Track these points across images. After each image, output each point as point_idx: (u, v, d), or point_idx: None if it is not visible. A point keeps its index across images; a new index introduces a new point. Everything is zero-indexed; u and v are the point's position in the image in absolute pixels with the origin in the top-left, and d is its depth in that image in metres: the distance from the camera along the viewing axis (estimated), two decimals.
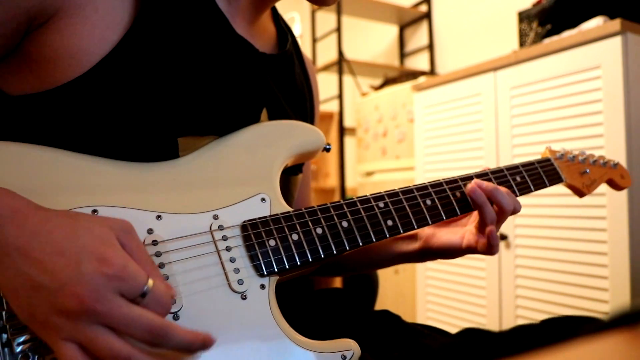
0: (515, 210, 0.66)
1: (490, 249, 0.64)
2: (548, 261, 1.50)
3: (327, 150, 0.66)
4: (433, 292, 1.97)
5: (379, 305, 0.88)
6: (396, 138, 2.37)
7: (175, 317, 0.46)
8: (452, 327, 1.66)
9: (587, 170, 0.77)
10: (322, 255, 0.54)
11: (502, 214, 0.64)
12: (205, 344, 0.42)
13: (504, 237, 1.62)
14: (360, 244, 0.57)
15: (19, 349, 0.41)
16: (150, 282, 0.40)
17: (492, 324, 1.68)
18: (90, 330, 0.38)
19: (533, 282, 1.54)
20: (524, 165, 0.72)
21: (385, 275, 2.29)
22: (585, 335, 0.21)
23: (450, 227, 0.69)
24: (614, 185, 0.82)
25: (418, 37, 2.95)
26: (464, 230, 0.67)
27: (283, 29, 0.74)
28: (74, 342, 0.38)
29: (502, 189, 0.65)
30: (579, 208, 1.41)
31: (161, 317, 0.40)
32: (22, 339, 0.41)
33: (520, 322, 1.57)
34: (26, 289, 0.38)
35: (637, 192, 1.31)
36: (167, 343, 0.40)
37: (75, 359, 0.38)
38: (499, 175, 0.69)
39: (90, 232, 0.40)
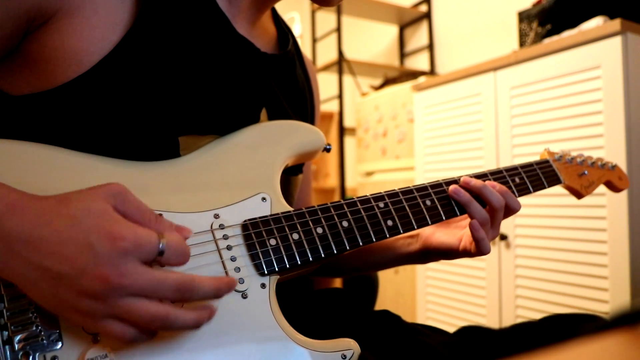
0: (512, 209, 0.65)
1: (477, 245, 0.63)
2: (548, 261, 1.50)
3: (328, 150, 0.67)
4: (433, 292, 1.97)
5: (379, 305, 0.88)
6: (396, 138, 2.37)
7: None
8: (452, 327, 1.66)
9: (586, 172, 0.77)
10: (323, 255, 0.54)
11: (494, 212, 0.64)
12: (229, 286, 0.44)
13: (504, 237, 1.62)
14: (361, 243, 0.57)
15: (20, 346, 0.41)
16: (163, 239, 0.41)
17: (492, 324, 1.68)
18: (122, 303, 0.39)
19: (533, 282, 1.54)
20: (523, 166, 0.72)
21: (385, 275, 2.29)
22: (585, 335, 0.21)
23: (450, 228, 0.69)
24: (612, 187, 0.82)
25: (418, 37, 2.95)
26: (462, 233, 0.67)
27: (283, 30, 0.74)
28: (112, 318, 0.39)
29: (494, 186, 0.64)
30: (579, 208, 1.41)
31: (184, 274, 0.41)
32: (23, 336, 0.42)
33: (520, 321, 1.57)
34: (47, 281, 0.39)
35: (637, 193, 1.31)
36: (196, 295, 0.41)
37: (123, 330, 0.40)
38: (498, 177, 0.69)
39: (88, 213, 0.40)
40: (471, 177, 0.67)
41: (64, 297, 0.39)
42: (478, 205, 0.63)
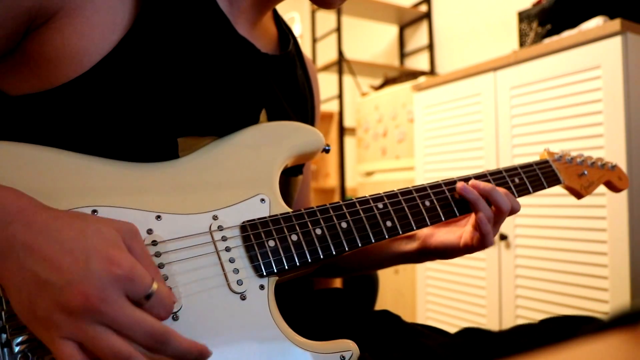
0: (513, 210, 0.66)
1: (482, 239, 0.64)
2: (548, 261, 1.50)
3: (327, 151, 0.67)
4: (433, 292, 1.97)
5: (379, 305, 0.88)
6: (396, 138, 2.37)
7: (175, 317, 0.46)
8: (452, 327, 1.66)
9: (585, 172, 0.77)
10: (321, 256, 0.54)
11: (499, 214, 0.65)
12: (201, 355, 0.42)
13: (504, 237, 1.62)
14: (359, 244, 0.57)
15: (17, 349, 0.41)
16: (155, 285, 0.40)
17: (492, 324, 1.68)
18: (92, 329, 0.38)
19: (533, 282, 1.54)
20: (523, 166, 0.72)
21: (385, 275, 2.29)
22: (585, 335, 0.21)
23: (449, 227, 0.69)
24: (612, 187, 0.82)
25: (418, 37, 2.95)
26: (462, 230, 0.67)
27: (284, 30, 0.74)
28: (73, 341, 0.38)
29: (500, 189, 0.65)
30: (579, 208, 1.41)
31: (162, 324, 0.40)
32: (21, 339, 0.42)
33: (520, 322, 1.57)
34: (30, 285, 0.39)
35: (637, 193, 1.31)
36: (166, 349, 0.40)
37: (74, 356, 0.38)
38: (498, 177, 0.69)
39: (98, 234, 0.40)
40: (471, 178, 0.67)
41: (40, 305, 0.38)
42: (486, 204, 0.64)
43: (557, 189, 0.79)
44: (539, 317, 0.61)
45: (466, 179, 0.67)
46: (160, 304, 0.41)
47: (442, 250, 0.68)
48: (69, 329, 0.38)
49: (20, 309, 0.40)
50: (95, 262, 0.38)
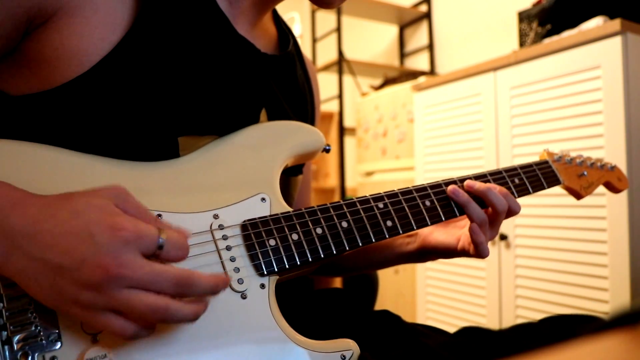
0: (512, 211, 0.65)
1: (476, 249, 0.63)
2: (548, 261, 1.50)
3: (327, 151, 0.67)
4: (433, 292, 1.97)
5: (379, 305, 0.88)
6: (396, 138, 2.37)
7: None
8: (452, 327, 1.66)
9: (585, 173, 0.77)
10: (322, 255, 0.54)
11: (495, 215, 0.64)
12: (225, 283, 0.44)
13: (504, 237, 1.62)
14: (360, 244, 0.57)
15: (19, 346, 0.41)
16: (163, 233, 0.41)
17: (492, 324, 1.68)
18: (122, 295, 0.39)
19: (533, 282, 1.54)
20: (522, 167, 0.72)
21: (385, 275, 2.29)
22: (585, 335, 0.21)
23: (449, 228, 0.69)
24: (612, 188, 0.82)
25: (418, 37, 2.95)
26: (460, 232, 0.67)
27: (284, 31, 0.74)
28: (111, 312, 0.39)
29: (495, 188, 0.64)
30: (579, 208, 1.41)
31: (183, 268, 0.42)
32: (22, 336, 0.42)
33: (520, 322, 1.57)
34: (46, 274, 0.39)
35: (637, 193, 1.31)
36: (194, 290, 0.42)
37: (123, 326, 0.40)
38: (497, 177, 0.69)
39: (90, 207, 0.41)
40: (471, 178, 0.67)
41: (64, 290, 0.39)
42: (477, 207, 0.63)
43: (557, 189, 0.79)
44: (539, 317, 0.61)
45: (466, 179, 0.67)
46: (174, 248, 0.42)
47: (440, 250, 0.68)
48: (101, 302, 0.39)
49: (44, 297, 0.40)
50: (100, 234, 0.39)
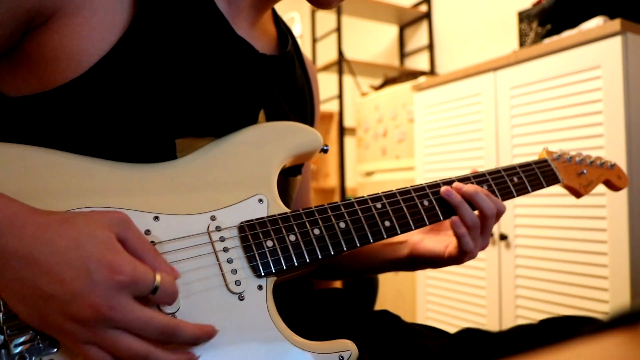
0: (499, 212, 0.64)
1: (459, 244, 0.62)
2: (548, 261, 1.50)
3: (325, 151, 0.66)
4: (433, 292, 1.97)
5: (379, 305, 0.88)
6: (396, 138, 2.37)
7: (173, 317, 0.46)
8: (452, 327, 1.66)
9: (584, 171, 0.77)
10: (320, 256, 0.54)
11: (484, 219, 0.63)
12: (209, 336, 0.45)
13: (504, 237, 1.62)
14: (358, 244, 0.57)
15: (16, 350, 0.41)
16: (158, 277, 0.42)
17: (492, 324, 1.68)
18: (107, 334, 0.39)
19: (533, 282, 1.54)
20: (521, 166, 0.72)
21: (385, 275, 2.29)
22: (585, 335, 0.21)
23: (440, 236, 0.68)
24: (611, 186, 0.82)
25: (418, 37, 2.95)
26: (450, 240, 0.66)
27: (283, 31, 0.74)
28: (94, 345, 0.40)
29: (483, 191, 0.63)
30: (579, 208, 1.41)
31: (170, 318, 0.43)
32: (19, 340, 0.41)
33: (520, 322, 1.57)
34: (35, 299, 0.39)
35: (637, 193, 1.31)
36: (177, 340, 0.42)
37: (104, 358, 0.40)
38: (496, 176, 0.69)
39: (92, 239, 0.40)
40: (470, 177, 0.67)
41: (50, 317, 0.39)
42: (469, 208, 0.62)
43: (557, 189, 0.79)
44: (539, 317, 0.60)
45: (465, 179, 0.66)
46: (165, 295, 0.43)
47: (429, 258, 0.67)
48: (85, 335, 0.39)
49: (28, 318, 0.40)
50: (97, 272, 0.39)
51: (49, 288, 0.39)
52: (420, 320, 2.01)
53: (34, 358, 0.41)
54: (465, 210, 0.62)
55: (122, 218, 0.43)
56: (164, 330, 0.41)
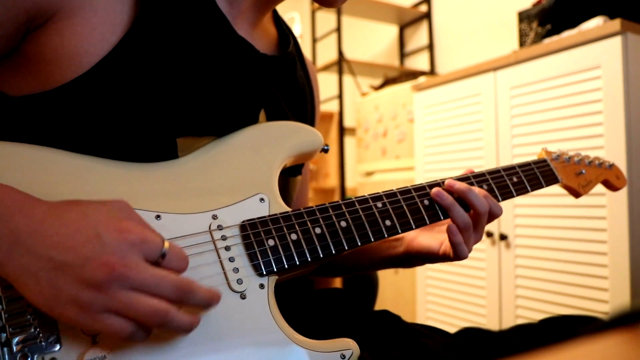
0: (493, 214, 0.64)
1: (454, 250, 0.62)
2: (548, 261, 1.50)
3: (325, 151, 0.66)
4: (433, 292, 1.97)
5: (379, 305, 0.88)
6: (396, 138, 2.37)
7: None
8: (452, 327, 1.66)
9: (583, 171, 0.77)
10: (321, 255, 0.54)
11: (477, 217, 0.63)
12: (218, 298, 0.45)
13: (504, 237, 1.62)
14: (359, 243, 0.57)
15: (17, 348, 0.41)
16: (166, 243, 0.42)
17: (492, 324, 1.68)
18: (123, 295, 0.39)
19: (533, 282, 1.54)
20: (521, 165, 0.72)
21: (385, 275, 2.29)
22: (585, 335, 0.21)
23: (434, 232, 0.68)
24: (610, 186, 0.82)
25: (418, 37, 2.95)
26: (444, 237, 0.66)
27: (284, 31, 0.74)
28: (110, 312, 0.39)
29: (476, 190, 0.63)
30: (579, 208, 1.41)
31: (183, 276, 0.43)
32: (21, 338, 0.42)
33: (520, 322, 1.57)
34: (48, 271, 0.39)
35: (637, 192, 1.31)
36: (192, 299, 0.42)
37: (122, 325, 0.39)
38: (496, 176, 0.69)
39: (98, 210, 0.42)
40: (470, 177, 0.67)
41: (64, 288, 0.39)
42: (460, 209, 0.62)
43: (557, 189, 0.79)
44: (539, 317, 0.61)
45: (465, 178, 0.66)
46: (175, 258, 0.43)
47: (424, 254, 0.67)
48: (102, 302, 0.39)
49: (42, 300, 0.39)
50: (107, 234, 0.40)
51: (61, 257, 0.39)
52: (420, 320, 2.01)
53: (36, 356, 0.41)
54: (457, 212, 0.62)
55: (124, 204, 0.45)
56: (180, 287, 0.41)
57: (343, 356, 0.51)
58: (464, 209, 0.63)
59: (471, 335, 0.59)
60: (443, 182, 0.65)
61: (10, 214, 0.40)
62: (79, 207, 0.42)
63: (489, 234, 1.66)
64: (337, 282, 1.38)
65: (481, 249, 1.71)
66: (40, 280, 0.39)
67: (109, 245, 0.39)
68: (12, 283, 0.41)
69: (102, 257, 0.39)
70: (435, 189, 0.63)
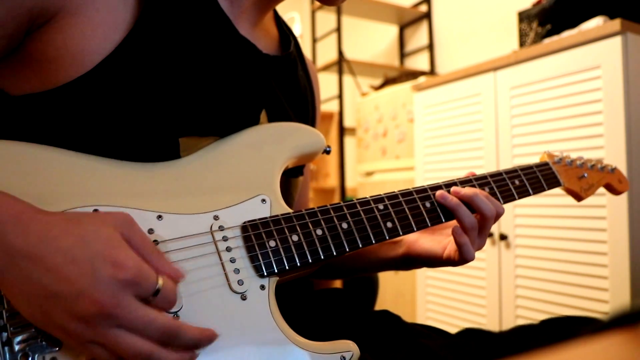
0: (498, 215, 0.64)
1: (460, 251, 0.61)
2: (548, 261, 1.50)
3: (327, 152, 0.67)
4: (433, 292, 1.97)
5: (379, 305, 0.88)
6: (396, 138, 2.37)
7: (175, 317, 0.47)
8: (452, 327, 1.66)
9: (585, 175, 0.77)
10: (322, 257, 0.54)
11: (484, 220, 0.62)
12: (210, 339, 0.44)
13: (504, 237, 1.62)
14: (360, 245, 0.57)
15: (18, 347, 0.41)
16: (161, 281, 0.42)
17: (492, 324, 1.68)
18: (110, 333, 0.39)
19: (533, 282, 1.54)
20: (523, 168, 0.72)
21: (385, 275, 2.29)
22: (585, 335, 0.21)
23: (435, 235, 0.68)
24: (612, 190, 0.82)
25: (418, 37, 2.95)
26: (447, 240, 0.66)
27: (285, 31, 0.74)
28: (97, 345, 0.40)
29: (482, 193, 0.63)
30: (579, 208, 1.41)
31: (172, 319, 0.42)
32: (22, 337, 0.42)
33: (520, 322, 1.57)
34: (39, 298, 0.39)
35: (637, 193, 1.31)
36: (178, 342, 0.42)
37: (108, 358, 0.40)
38: (498, 179, 0.69)
39: (97, 237, 0.41)
40: (472, 179, 0.66)
41: (55, 317, 0.39)
42: (466, 210, 0.62)
43: (557, 190, 0.79)
44: (539, 317, 0.61)
45: (467, 181, 0.66)
46: (166, 298, 0.42)
47: (426, 258, 0.67)
48: (89, 335, 0.39)
49: (33, 318, 0.40)
50: (102, 268, 0.39)
51: (54, 287, 0.39)
52: (420, 320, 2.01)
53: (36, 356, 0.41)
54: (463, 213, 0.61)
55: (126, 219, 0.43)
56: (166, 332, 0.41)
57: (343, 358, 0.51)
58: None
59: (471, 336, 0.59)
60: (445, 185, 0.64)
61: (6, 232, 0.39)
62: (78, 229, 0.41)
63: (489, 234, 1.66)
64: (337, 282, 1.38)
65: (481, 249, 1.71)
66: (32, 304, 0.40)
67: (102, 282, 0.39)
68: (7, 297, 0.41)
69: (94, 294, 0.38)
70: (439, 192, 0.62)
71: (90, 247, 0.40)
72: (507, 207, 1.49)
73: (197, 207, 0.53)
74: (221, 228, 0.52)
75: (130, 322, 0.39)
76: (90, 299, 0.38)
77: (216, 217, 0.53)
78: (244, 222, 0.53)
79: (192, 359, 0.44)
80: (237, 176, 0.57)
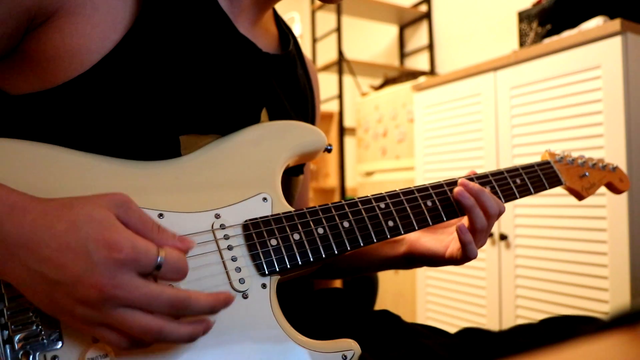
0: (500, 213, 0.64)
1: (463, 249, 0.61)
2: (548, 261, 1.50)
3: (329, 151, 0.67)
4: (433, 292, 1.97)
5: (379, 305, 0.88)
6: (396, 138, 2.37)
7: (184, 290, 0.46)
8: (452, 327, 1.66)
9: (587, 174, 0.77)
10: (324, 255, 0.54)
11: (488, 218, 0.62)
12: (227, 302, 0.43)
13: (504, 237, 1.62)
14: (362, 244, 0.57)
15: (20, 345, 0.41)
16: (162, 253, 0.41)
17: (492, 324, 1.69)
18: (116, 313, 0.39)
19: (533, 282, 1.54)
20: (524, 167, 0.72)
21: (385, 275, 2.29)
22: (585, 335, 0.21)
23: (437, 234, 0.67)
24: (613, 189, 0.82)
25: (418, 37, 2.95)
26: (449, 239, 0.65)
27: (284, 30, 0.74)
28: (106, 327, 0.40)
29: (487, 191, 0.63)
30: (579, 208, 1.41)
31: (180, 290, 0.42)
32: (24, 335, 0.42)
33: (520, 322, 1.57)
34: (43, 286, 0.39)
35: (637, 193, 1.31)
36: (190, 311, 0.42)
37: (118, 340, 0.40)
38: (499, 178, 0.69)
39: (90, 220, 0.40)
40: (472, 179, 0.66)
41: (60, 302, 0.39)
42: (480, 212, 0.61)
43: (558, 189, 0.79)
44: (539, 317, 0.61)
45: (468, 179, 0.66)
46: (171, 270, 0.41)
47: (428, 257, 0.67)
48: (96, 319, 0.39)
49: (42, 304, 0.41)
50: (96, 251, 0.39)
51: (53, 274, 0.39)
52: (420, 320, 2.01)
53: (38, 354, 0.41)
54: (477, 213, 0.61)
55: (122, 198, 0.43)
56: (174, 304, 0.40)
57: (344, 357, 0.51)
58: None
59: (471, 336, 0.59)
60: (447, 184, 0.64)
61: (1, 222, 0.40)
62: (70, 215, 0.40)
63: (489, 234, 1.66)
64: (337, 282, 1.38)
65: (481, 249, 1.71)
66: (37, 291, 0.40)
67: (98, 265, 0.38)
68: (14, 286, 0.41)
69: (92, 278, 0.38)
70: (458, 189, 0.62)
71: (83, 231, 0.39)
72: (507, 207, 1.50)
73: (198, 205, 0.53)
74: (222, 226, 0.52)
75: (134, 300, 0.39)
76: (89, 284, 0.38)
77: (217, 216, 0.53)
78: (245, 221, 0.53)
79: (207, 327, 0.43)
80: (238, 174, 0.57)
